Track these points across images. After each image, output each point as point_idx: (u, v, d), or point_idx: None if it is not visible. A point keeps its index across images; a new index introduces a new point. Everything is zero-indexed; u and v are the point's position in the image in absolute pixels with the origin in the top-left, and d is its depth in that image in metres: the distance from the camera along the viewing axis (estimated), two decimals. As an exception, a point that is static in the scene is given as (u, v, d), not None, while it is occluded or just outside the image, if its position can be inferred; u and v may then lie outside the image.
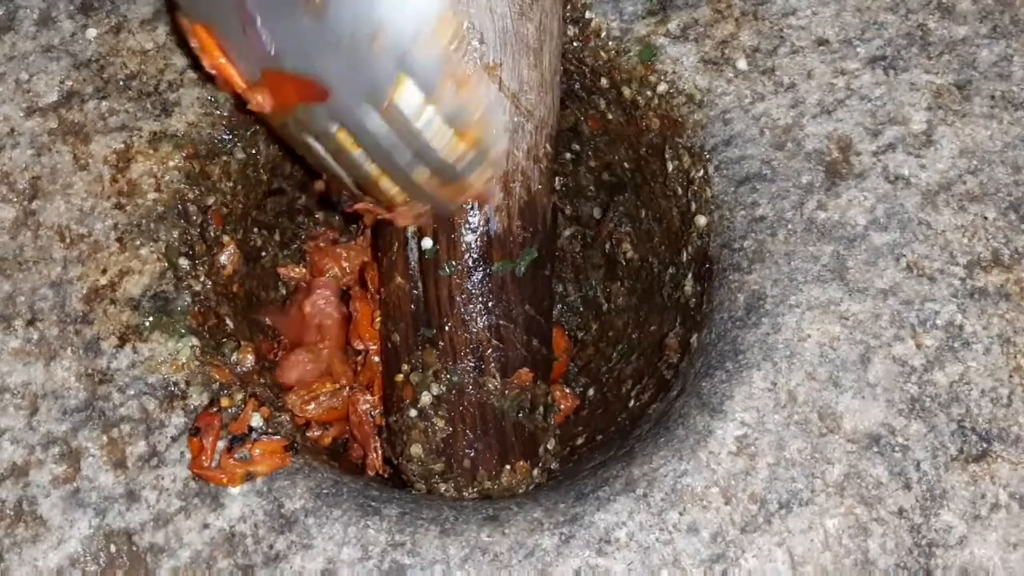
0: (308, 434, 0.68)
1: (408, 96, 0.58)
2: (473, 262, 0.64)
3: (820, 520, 0.56)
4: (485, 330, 0.64)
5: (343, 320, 0.71)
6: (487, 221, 0.64)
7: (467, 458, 0.63)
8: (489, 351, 0.64)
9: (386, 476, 0.68)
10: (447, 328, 0.64)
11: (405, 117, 0.59)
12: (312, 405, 0.66)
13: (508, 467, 0.64)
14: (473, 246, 0.64)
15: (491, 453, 0.64)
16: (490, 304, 0.64)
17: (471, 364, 0.64)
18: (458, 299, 0.64)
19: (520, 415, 0.64)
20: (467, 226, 0.64)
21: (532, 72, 0.62)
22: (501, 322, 0.64)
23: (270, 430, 0.60)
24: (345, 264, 0.72)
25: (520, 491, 0.64)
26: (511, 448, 0.64)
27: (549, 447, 0.66)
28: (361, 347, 0.70)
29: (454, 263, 0.64)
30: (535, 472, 0.65)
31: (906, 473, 0.57)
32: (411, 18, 0.57)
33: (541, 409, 0.66)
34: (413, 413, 0.64)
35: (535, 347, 0.65)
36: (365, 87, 0.58)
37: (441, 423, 0.64)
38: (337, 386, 0.68)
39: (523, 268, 0.64)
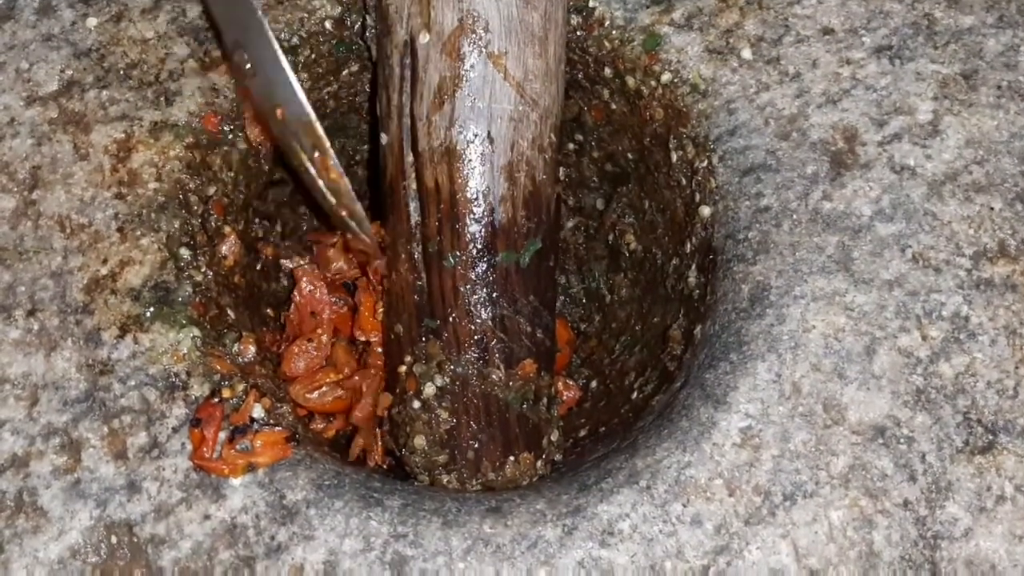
0: (311, 426, 0.67)
1: None
2: (477, 253, 0.63)
3: (825, 512, 0.56)
4: (489, 321, 0.63)
5: (347, 309, 0.71)
6: (491, 211, 0.63)
7: (471, 449, 0.63)
8: (494, 342, 0.63)
9: (387, 468, 0.68)
10: (451, 319, 0.63)
11: None
12: (315, 394, 0.66)
13: (512, 458, 0.63)
14: (477, 237, 0.63)
15: (495, 444, 0.63)
16: (494, 295, 0.63)
17: (475, 355, 0.63)
18: (462, 290, 0.63)
19: (524, 406, 0.64)
20: (471, 216, 0.63)
21: (537, 61, 0.62)
22: (505, 313, 0.64)
23: (271, 421, 0.60)
24: (351, 255, 0.72)
25: (524, 483, 0.64)
26: (515, 439, 0.64)
27: (553, 439, 0.66)
28: (364, 339, 0.69)
29: (458, 254, 0.63)
30: (539, 464, 0.64)
31: (911, 465, 0.57)
32: None
33: (545, 401, 0.65)
34: (416, 404, 0.64)
35: (539, 338, 0.65)
36: None
37: (445, 414, 0.63)
38: (341, 376, 0.67)
39: (527, 259, 0.64)
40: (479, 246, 0.63)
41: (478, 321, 0.63)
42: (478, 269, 0.63)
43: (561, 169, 0.78)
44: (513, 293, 0.64)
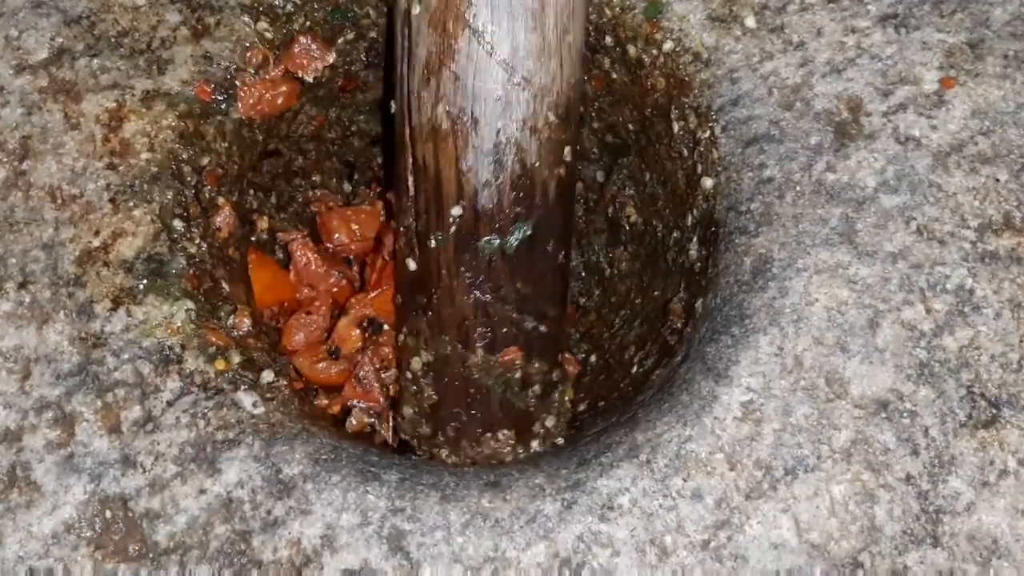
0: (315, 402, 0.67)
1: None
2: (458, 236, 0.61)
3: (826, 486, 0.56)
4: (471, 305, 0.62)
5: (347, 282, 0.70)
6: (474, 195, 0.61)
7: (451, 428, 0.63)
8: (474, 327, 0.62)
9: (395, 446, 0.67)
10: (435, 299, 0.62)
11: None
12: (321, 365, 0.66)
13: (489, 435, 0.63)
14: (458, 220, 0.61)
15: (475, 425, 0.63)
16: (478, 280, 0.62)
17: (455, 337, 0.62)
18: (444, 272, 0.62)
19: (507, 393, 0.63)
20: (452, 199, 0.61)
21: (530, 35, 0.58)
22: (487, 298, 0.62)
23: (279, 381, 0.60)
24: (354, 227, 0.70)
25: (507, 460, 0.63)
26: (497, 423, 0.63)
27: (548, 424, 0.65)
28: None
29: (440, 235, 0.61)
30: (534, 443, 0.64)
31: (914, 439, 0.57)
32: None
33: (537, 388, 0.64)
34: (408, 375, 0.63)
35: (528, 326, 0.64)
36: None
37: (430, 390, 0.63)
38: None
39: (513, 245, 0.62)
40: (460, 230, 0.61)
41: (458, 304, 0.62)
42: (459, 253, 0.62)
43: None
44: (497, 279, 0.62)
